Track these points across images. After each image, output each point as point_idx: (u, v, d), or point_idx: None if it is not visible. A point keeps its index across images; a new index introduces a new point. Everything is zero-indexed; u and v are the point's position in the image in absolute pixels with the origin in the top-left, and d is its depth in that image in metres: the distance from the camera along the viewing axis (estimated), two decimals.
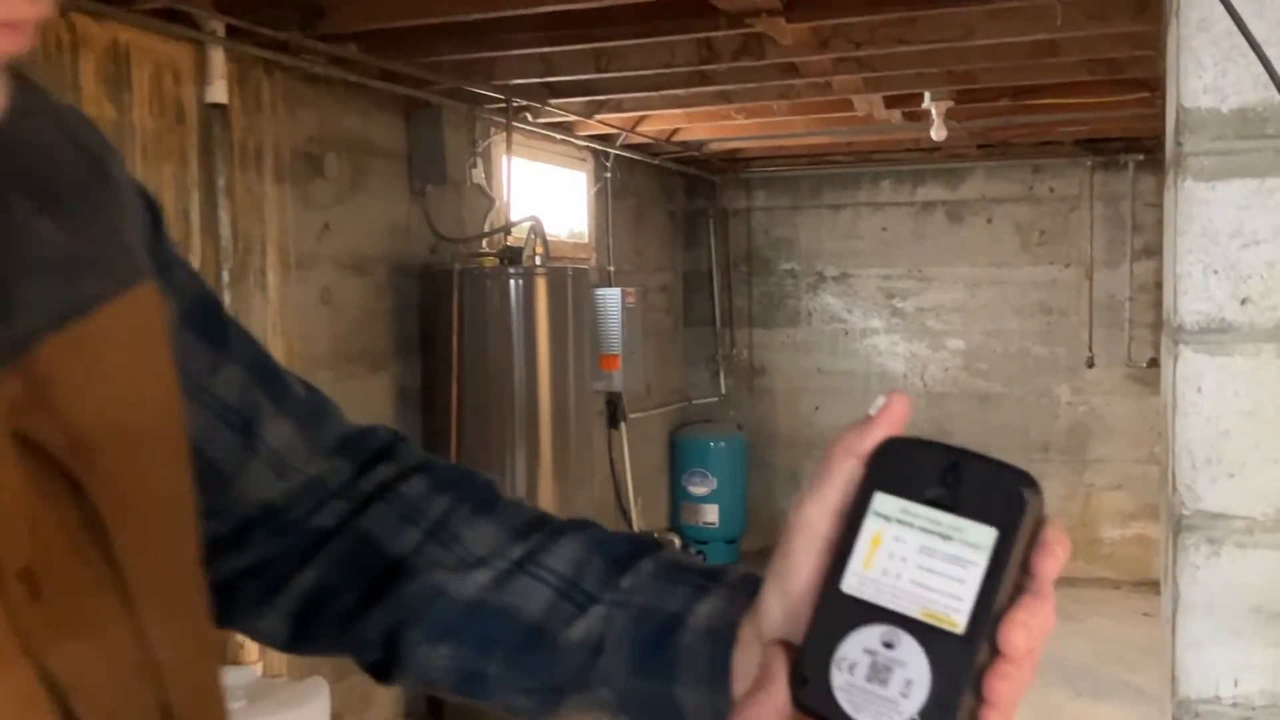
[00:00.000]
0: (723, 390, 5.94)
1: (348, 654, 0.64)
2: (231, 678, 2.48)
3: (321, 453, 0.64)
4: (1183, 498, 1.31)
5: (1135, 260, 5.29)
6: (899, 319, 5.70)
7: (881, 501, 0.44)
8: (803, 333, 5.86)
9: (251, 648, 3.00)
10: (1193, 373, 1.30)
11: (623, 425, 4.99)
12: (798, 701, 0.43)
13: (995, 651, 0.41)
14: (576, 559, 0.62)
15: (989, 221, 5.55)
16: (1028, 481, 0.42)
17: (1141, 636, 4.54)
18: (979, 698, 0.41)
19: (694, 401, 5.95)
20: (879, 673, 0.41)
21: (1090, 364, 5.34)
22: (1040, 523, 0.43)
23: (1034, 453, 5.42)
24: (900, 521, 0.43)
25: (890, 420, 0.46)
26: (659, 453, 5.65)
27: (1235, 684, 1.30)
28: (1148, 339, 5.25)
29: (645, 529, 5.21)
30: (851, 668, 0.42)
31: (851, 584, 0.43)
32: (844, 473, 0.46)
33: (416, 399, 3.83)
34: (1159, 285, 5.20)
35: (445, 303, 3.63)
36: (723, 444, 5.63)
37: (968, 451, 0.43)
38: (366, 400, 3.62)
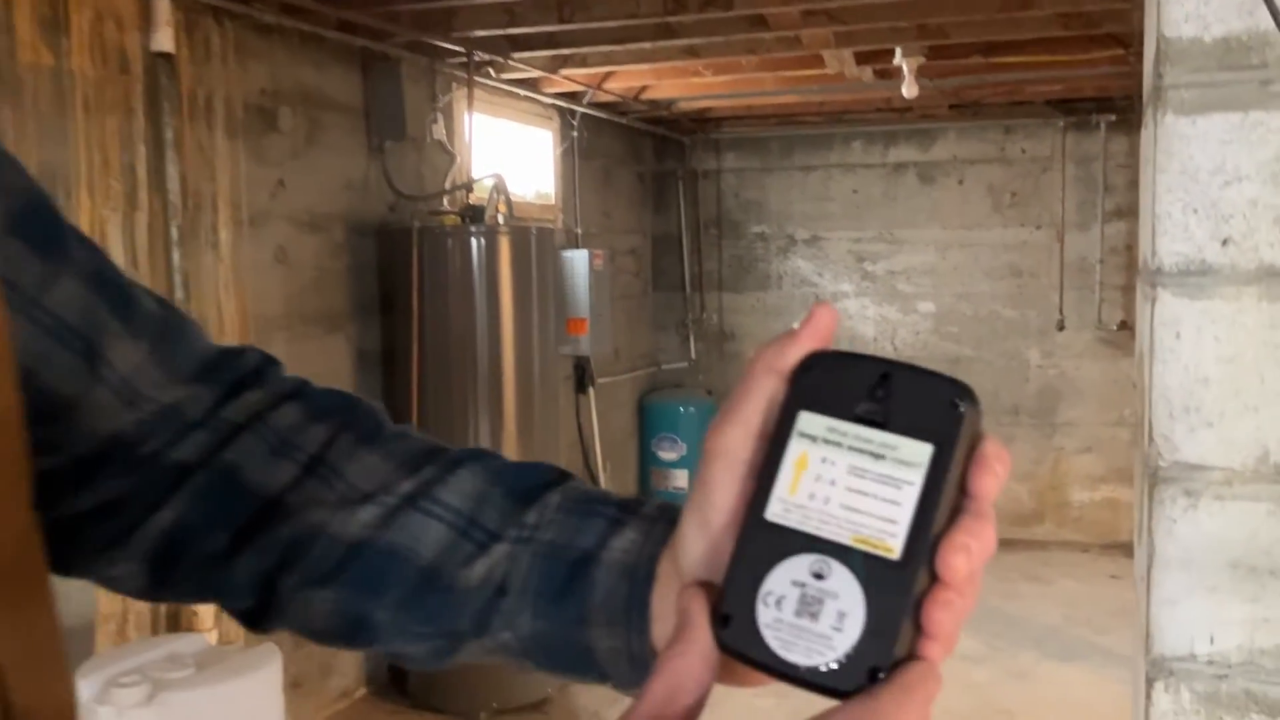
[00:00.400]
0: (692, 355, 5.88)
1: (215, 600, 0.59)
2: (180, 645, 2.40)
3: (178, 378, 0.57)
4: (1159, 449, 1.26)
5: (1106, 222, 5.26)
6: (869, 282, 5.66)
7: (807, 421, 0.40)
8: (773, 296, 5.80)
9: (206, 615, 2.92)
10: (1171, 318, 1.25)
11: (591, 390, 4.92)
12: (721, 643, 0.39)
13: (934, 578, 0.38)
14: (475, 493, 0.57)
15: (960, 183, 5.50)
16: (963, 393, 0.39)
17: (1110, 599, 4.54)
18: (918, 628, 0.38)
19: (663, 366, 5.89)
20: (809, 606, 0.38)
21: (1061, 327, 5.32)
22: (977, 438, 0.40)
23: (1003, 416, 5.40)
24: (827, 441, 0.40)
25: (815, 333, 0.42)
26: (628, 418, 5.59)
27: (1211, 641, 1.26)
28: (1118, 301, 5.24)
29: None
30: (779, 602, 0.39)
31: (776, 511, 0.40)
32: (765, 392, 0.42)
33: (376, 362, 3.74)
34: (1130, 247, 5.19)
35: (404, 262, 3.54)
36: (692, 409, 5.58)
37: (898, 363, 0.40)
38: (324, 362, 3.54)
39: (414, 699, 3.66)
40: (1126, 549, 5.19)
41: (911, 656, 0.38)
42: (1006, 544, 5.23)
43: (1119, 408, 5.26)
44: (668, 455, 5.55)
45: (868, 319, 5.67)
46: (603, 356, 4.95)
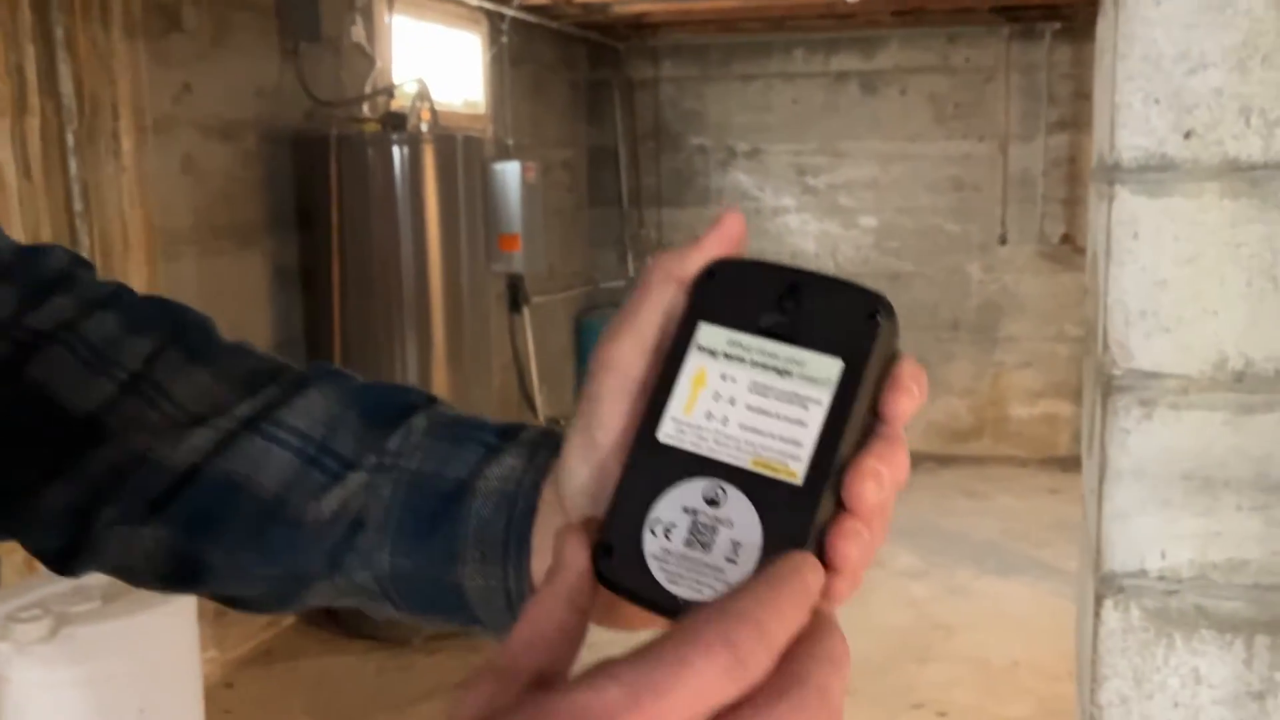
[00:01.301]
0: (630, 272, 5.76)
1: (15, 538, 0.53)
2: (89, 577, 2.27)
3: None
4: (1114, 356, 1.20)
5: (1050, 134, 5.20)
6: (811, 196, 5.56)
7: (707, 333, 0.37)
8: (713, 212, 5.67)
9: None
10: (1129, 216, 1.18)
11: (525, 309, 4.78)
12: (601, 576, 0.35)
13: (840, 506, 0.35)
14: (326, 416, 0.51)
15: (903, 93, 5.40)
16: (879, 304, 0.36)
17: (1048, 513, 4.58)
18: (822, 561, 0.34)
19: (601, 284, 5.76)
20: (701, 535, 0.35)
21: (1002, 241, 5.28)
22: (893, 356, 0.37)
23: (944, 332, 5.38)
24: (729, 356, 0.37)
25: (722, 240, 0.39)
26: (564, 338, 5.48)
27: (1162, 556, 1.21)
28: (1060, 215, 5.21)
29: (551, 417, 5.06)
30: (668, 531, 0.35)
31: (669, 432, 0.36)
32: (662, 302, 0.38)
33: (295, 279, 3.58)
34: (1073, 159, 5.14)
35: (322, 172, 3.37)
36: None
37: (809, 272, 0.37)
38: (239, 279, 3.37)
39: (346, 627, 3.57)
40: (1064, 463, 5.23)
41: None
42: (944, 460, 5.24)
43: (1059, 322, 5.26)
44: None
45: (809, 234, 5.58)
46: (537, 274, 4.82)
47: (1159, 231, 1.16)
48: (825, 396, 0.35)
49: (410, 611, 0.51)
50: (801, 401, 0.36)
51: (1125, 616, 1.20)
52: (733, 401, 0.36)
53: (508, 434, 0.50)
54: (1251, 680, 1.17)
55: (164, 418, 0.51)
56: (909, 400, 0.36)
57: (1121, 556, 1.20)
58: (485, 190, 3.99)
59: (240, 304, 3.37)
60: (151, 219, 3.04)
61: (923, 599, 3.68)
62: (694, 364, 0.37)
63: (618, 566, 0.35)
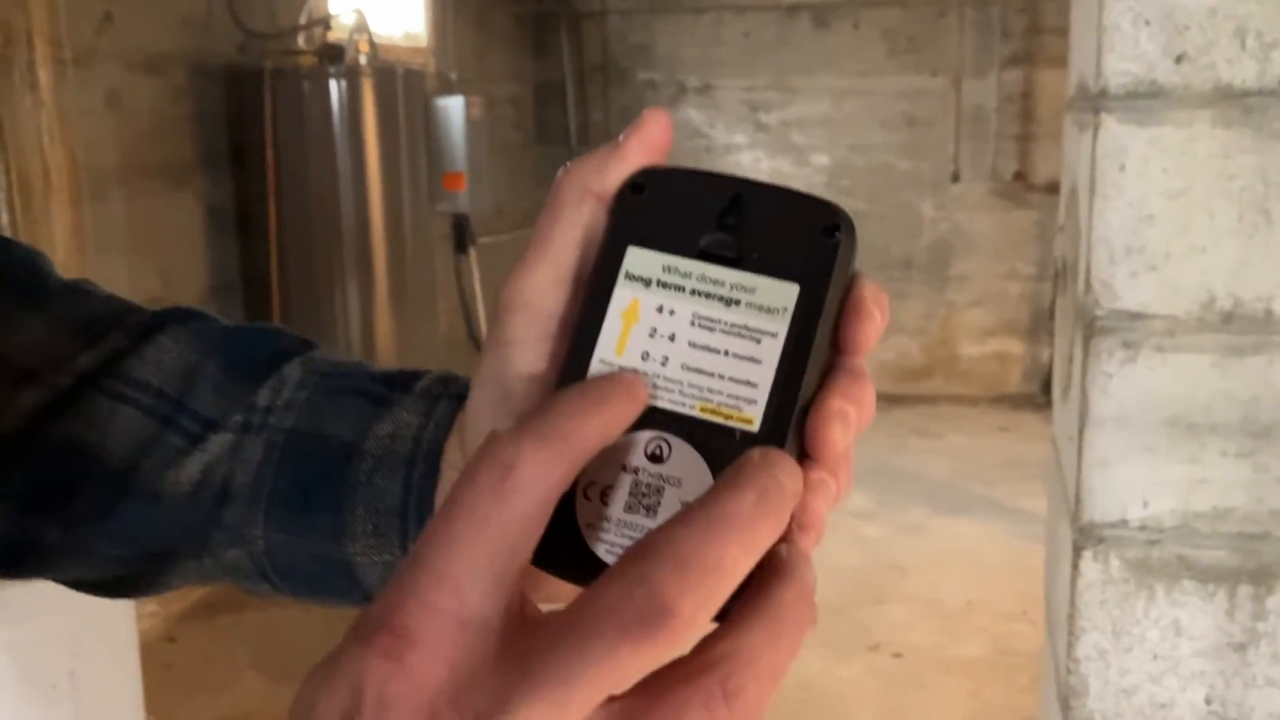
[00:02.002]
0: None
1: None
2: None
3: None
4: (1097, 296, 1.14)
5: (1004, 69, 5.15)
6: (763, 134, 5.48)
7: (637, 259, 0.32)
8: None
9: None
10: (1116, 147, 1.13)
11: (471, 250, 4.67)
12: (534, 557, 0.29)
13: (802, 454, 0.30)
14: (182, 367, 0.45)
15: (855, 27, 5.31)
16: (837, 217, 0.31)
17: (999, 451, 4.60)
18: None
19: None
20: (644, 498, 0.30)
21: (955, 178, 5.25)
22: (852, 277, 0.32)
23: (895, 271, 5.35)
24: (664, 285, 0.32)
25: (645, 145, 0.33)
26: None
27: (1144, 505, 1.17)
28: (1013, 152, 5.18)
29: None
30: (604, 494, 0.30)
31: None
32: (579, 223, 0.32)
33: (230, 221, 3.44)
34: (1026, 95, 5.10)
35: (255, 109, 3.23)
36: None
37: (753, 181, 0.32)
38: (171, 221, 3.23)
39: None
40: (1014, 401, 5.25)
41: (773, 555, 0.27)
42: (895, 400, 5.24)
43: (1011, 260, 5.25)
44: None
45: (761, 172, 5.50)
46: (483, 214, 4.70)
47: (1147, 163, 1.11)
48: (781, 328, 0.31)
49: (293, 593, 0.45)
50: (754, 335, 0.31)
51: (1105, 568, 1.16)
52: (672, 338, 0.31)
53: (398, 383, 0.43)
54: (1233, 631, 1.14)
55: None
56: (872, 327, 0.31)
57: (1102, 506, 1.16)
58: (428, 127, 3.87)
59: (173, 247, 3.24)
60: (75, 157, 2.88)
61: (876, 540, 3.68)
62: (623, 296, 0.32)
63: (545, 537, 0.28)
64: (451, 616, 0.24)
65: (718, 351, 0.31)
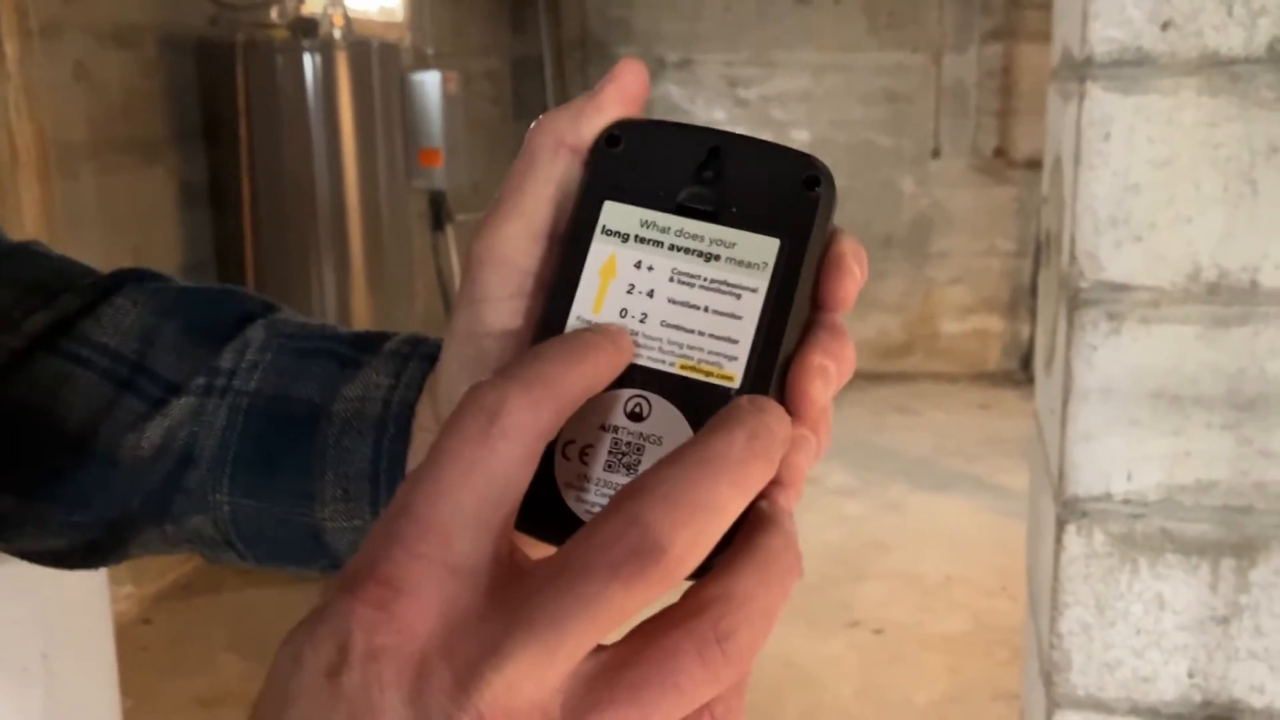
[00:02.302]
0: None
1: None
2: None
3: None
4: (1082, 268, 1.13)
5: (984, 44, 5.14)
6: (742, 109, 5.45)
7: (613, 213, 0.31)
8: None
9: None
10: (1101, 116, 1.11)
11: (448, 228, 4.63)
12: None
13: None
14: (140, 329, 0.43)
15: (836, 2, 5.29)
16: (817, 170, 0.31)
17: (979, 428, 4.61)
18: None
19: None
20: (624, 457, 0.29)
21: (935, 154, 5.24)
22: (831, 232, 0.32)
23: (876, 248, 5.35)
24: (642, 240, 0.31)
25: (621, 96, 0.32)
26: None
27: (1128, 478, 1.16)
28: (993, 127, 5.17)
29: None
30: (583, 454, 0.30)
31: None
32: (554, 176, 0.32)
33: (203, 197, 3.40)
34: (1007, 71, 5.08)
35: (228, 83, 3.18)
36: None
37: (731, 134, 0.31)
38: (143, 198, 3.18)
39: None
40: (994, 378, 5.27)
41: (755, 510, 0.27)
42: (876, 377, 5.25)
43: (991, 237, 5.25)
44: None
45: None
46: (460, 191, 4.66)
47: (1132, 132, 1.09)
48: (761, 283, 0.30)
49: (258, 560, 0.44)
50: (734, 291, 0.30)
51: (1088, 542, 1.16)
52: (651, 294, 0.31)
53: (365, 345, 0.42)
54: (1216, 604, 1.13)
55: None
56: (852, 283, 0.31)
57: (1086, 480, 1.15)
58: (404, 102, 3.82)
59: (145, 224, 3.19)
60: (44, 131, 2.83)
61: (857, 517, 3.69)
62: (600, 251, 0.31)
63: (526, 499, 0.28)
64: (439, 564, 0.24)
65: (697, 308, 0.31)
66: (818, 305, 0.32)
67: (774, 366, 0.30)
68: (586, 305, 0.31)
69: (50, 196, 2.84)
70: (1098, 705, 1.18)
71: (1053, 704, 1.18)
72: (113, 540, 0.45)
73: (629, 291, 0.31)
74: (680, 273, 0.31)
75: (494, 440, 0.25)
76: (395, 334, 0.44)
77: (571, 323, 0.31)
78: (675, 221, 0.31)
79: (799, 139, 5.40)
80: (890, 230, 5.38)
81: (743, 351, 0.30)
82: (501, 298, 0.32)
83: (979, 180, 5.23)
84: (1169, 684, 1.14)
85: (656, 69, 5.53)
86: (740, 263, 0.31)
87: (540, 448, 0.26)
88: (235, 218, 3.29)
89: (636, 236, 0.31)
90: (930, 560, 3.34)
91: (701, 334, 0.30)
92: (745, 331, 0.30)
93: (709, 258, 0.31)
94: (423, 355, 0.42)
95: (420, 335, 0.43)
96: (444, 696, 0.23)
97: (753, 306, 0.30)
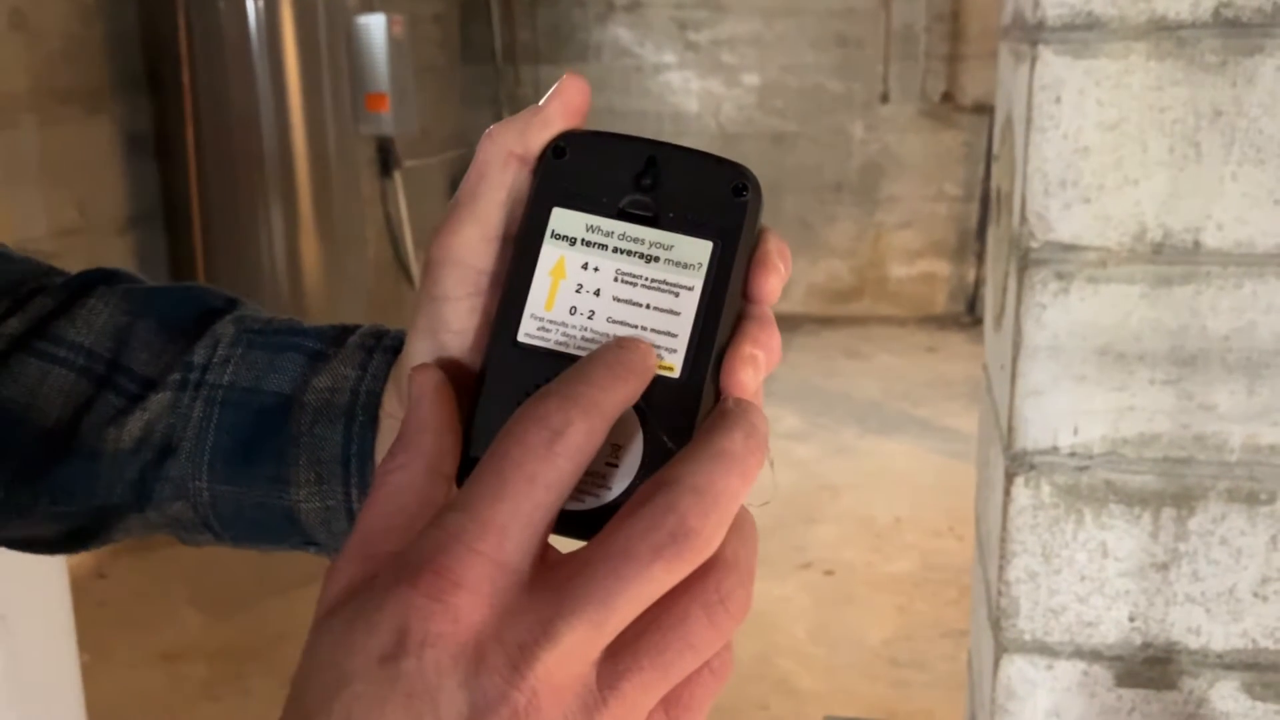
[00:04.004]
0: None
1: None
2: None
3: None
4: (1032, 228, 1.16)
5: None
6: (693, 53, 5.40)
7: (561, 219, 0.34)
8: (592, 69, 5.48)
9: None
10: (1052, 80, 1.13)
11: (397, 173, 4.57)
12: None
13: (718, 396, 0.33)
14: (113, 328, 0.46)
15: None
16: (745, 178, 0.34)
17: (926, 371, 4.67)
18: None
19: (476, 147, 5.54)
20: None
21: (885, 99, 5.23)
22: (759, 232, 0.35)
23: (827, 193, 5.36)
24: (588, 244, 0.34)
25: (566, 109, 0.35)
26: (440, 203, 5.28)
27: (1074, 432, 1.20)
28: (942, 72, 5.17)
29: None
30: None
31: (530, 331, 0.34)
32: (504, 183, 0.35)
33: (148, 147, 3.32)
34: (956, 15, 5.08)
35: (170, 29, 3.11)
36: None
37: (666, 144, 0.34)
38: (86, 149, 3.11)
39: None
40: (941, 321, 5.33)
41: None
42: (825, 321, 5.29)
43: (939, 182, 5.28)
44: None
45: (691, 93, 5.44)
46: (409, 137, 4.59)
47: (1082, 95, 1.11)
48: (697, 282, 0.33)
49: (234, 541, 0.47)
50: (672, 289, 0.33)
51: (1036, 494, 1.19)
52: (598, 293, 0.34)
53: (332, 338, 0.45)
54: (1157, 551, 1.18)
55: None
56: (777, 279, 0.34)
57: (1034, 434, 1.19)
58: (349, 46, 3.75)
59: (89, 176, 3.12)
60: None
61: (808, 460, 3.74)
62: (550, 254, 0.34)
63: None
64: (493, 561, 0.27)
65: (640, 305, 0.33)
66: (748, 298, 0.34)
67: (710, 357, 0.33)
68: (539, 303, 0.34)
69: None
70: (1043, 649, 1.22)
71: (1000, 648, 1.23)
72: (96, 527, 0.47)
73: (577, 291, 0.34)
74: (624, 273, 0.34)
75: (555, 456, 0.28)
76: (358, 327, 0.46)
77: (525, 320, 0.34)
78: (618, 226, 0.34)
79: (749, 83, 5.38)
80: (840, 176, 5.39)
81: (682, 344, 0.33)
82: (459, 296, 0.35)
83: (928, 125, 5.25)
84: (1111, 628, 1.19)
85: (605, 11, 5.46)
86: (678, 263, 0.34)
87: (585, 465, 0.29)
88: (181, 167, 3.23)
89: (583, 240, 0.34)
90: (880, 502, 3.41)
91: (644, 329, 0.33)
92: (684, 326, 0.33)
93: (649, 259, 0.34)
94: (386, 348, 0.45)
95: (381, 328, 0.46)
96: (499, 678, 0.25)
97: (690, 303, 0.33)
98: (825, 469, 3.69)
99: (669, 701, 0.28)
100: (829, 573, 3.02)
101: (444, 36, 5.37)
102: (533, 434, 0.28)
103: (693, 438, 0.30)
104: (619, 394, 0.30)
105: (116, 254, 3.22)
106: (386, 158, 4.52)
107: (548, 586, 0.27)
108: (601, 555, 0.27)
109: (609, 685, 0.27)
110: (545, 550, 0.28)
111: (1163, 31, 1.09)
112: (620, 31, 5.45)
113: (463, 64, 5.55)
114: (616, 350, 0.31)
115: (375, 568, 0.28)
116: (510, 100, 5.54)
